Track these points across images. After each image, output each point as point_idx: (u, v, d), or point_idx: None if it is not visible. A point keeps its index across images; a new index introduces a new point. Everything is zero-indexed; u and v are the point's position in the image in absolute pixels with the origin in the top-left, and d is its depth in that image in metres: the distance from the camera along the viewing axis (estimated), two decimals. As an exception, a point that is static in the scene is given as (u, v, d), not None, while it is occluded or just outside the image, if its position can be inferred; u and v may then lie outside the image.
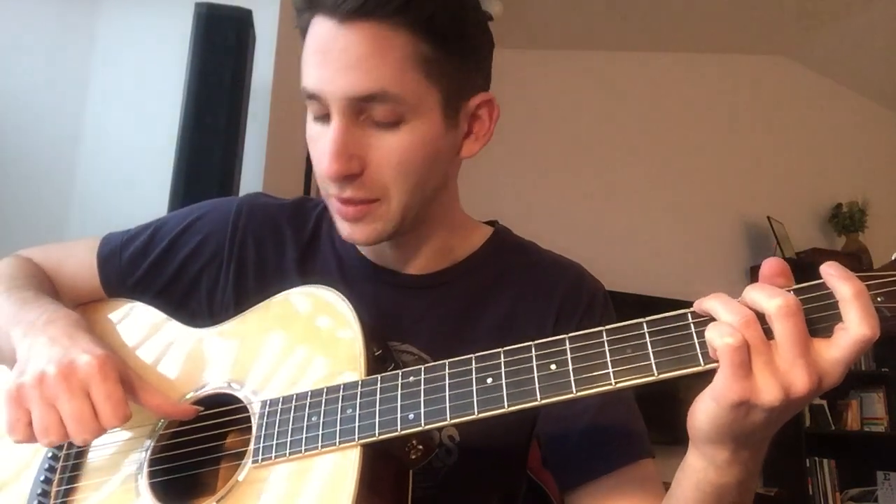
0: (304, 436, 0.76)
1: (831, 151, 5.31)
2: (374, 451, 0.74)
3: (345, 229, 0.87)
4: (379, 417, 0.73)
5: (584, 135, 4.75)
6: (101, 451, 0.89)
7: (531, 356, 0.69)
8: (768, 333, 0.61)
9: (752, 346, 0.60)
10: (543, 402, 0.67)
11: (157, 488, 0.84)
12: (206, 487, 0.85)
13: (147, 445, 0.87)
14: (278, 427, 0.78)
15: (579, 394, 0.66)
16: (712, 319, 0.63)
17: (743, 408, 0.61)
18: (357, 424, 0.74)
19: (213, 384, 0.88)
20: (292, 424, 0.77)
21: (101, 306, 1.04)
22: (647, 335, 0.65)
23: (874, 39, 4.84)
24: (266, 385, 0.84)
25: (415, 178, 0.85)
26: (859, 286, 0.59)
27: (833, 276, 0.60)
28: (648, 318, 0.66)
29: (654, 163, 4.83)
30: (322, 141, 0.83)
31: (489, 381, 0.70)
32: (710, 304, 0.63)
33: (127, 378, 0.83)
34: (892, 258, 0.62)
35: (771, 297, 0.60)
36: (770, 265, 0.64)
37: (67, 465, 0.90)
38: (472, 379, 0.71)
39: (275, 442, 0.78)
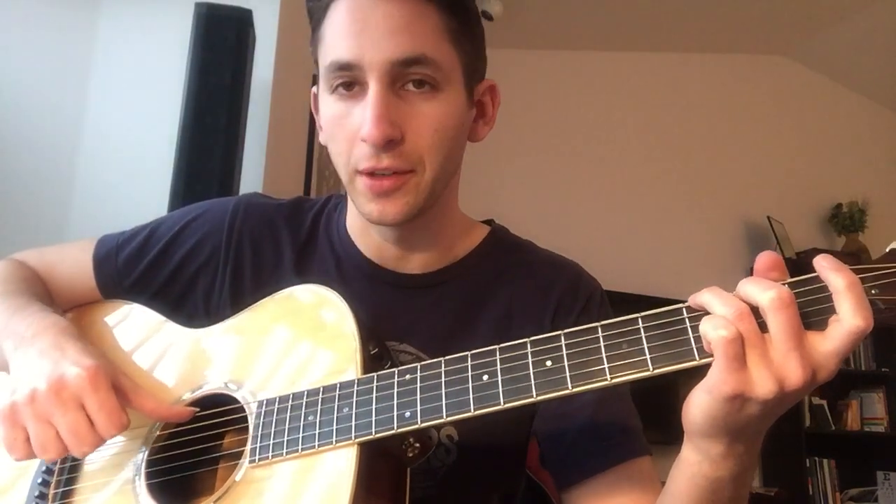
0: (300, 435, 0.76)
1: (831, 151, 5.31)
2: (372, 449, 0.74)
3: (374, 209, 0.86)
4: (375, 416, 0.73)
5: (583, 135, 4.76)
6: (98, 453, 0.88)
7: (526, 353, 0.69)
8: (763, 327, 0.61)
9: (746, 339, 0.60)
10: (539, 398, 0.67)
11: (155, 490, 0.84)
12: (204, 488, 0.85)
13: (144, 447, 0.87)
14: (275, 427, 0.78)
15: (575, 390, 0.66)
16: (707, 314, 0.63)
17: (737, 401, 0.61)
18: (354, 423, 0.74)
19: (211, 384, 0.88)
20: (289, 424, 0.77)
21: (97, 308, 1.04)
22: (642, 330, 0.65)
23: (874, 39, 4.84)
24: (262, 384, 0.84)
25: (446, 150, 0.87)
26: (852, 278, 0.59)
27: (826, 268, 0.61)
28: (643, 314, 0.66)
29: (653, 163, 4.84)
30: (357, 111, 0.84)
31: (485, 378, 0.70)
32: (705, 297, 0.63)
33: (120, 384, 0.83)
34: (887, 250, 0.63)
35: (764, 290, 0.60)
36: (764, 259, 0.64)
37: (65, 467, 0.90)
38: (468, 376, 0.71)
39: (272, 441, 0.78)
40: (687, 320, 0.64)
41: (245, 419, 0.82)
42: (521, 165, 4.45)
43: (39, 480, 0.90)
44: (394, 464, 0.79)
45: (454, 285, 0.97)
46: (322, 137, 0.94)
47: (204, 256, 1.00)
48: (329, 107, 0.87)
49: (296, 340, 0.85)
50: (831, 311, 0.60)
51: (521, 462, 0.99)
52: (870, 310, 0.59)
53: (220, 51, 1.98)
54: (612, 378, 0.65)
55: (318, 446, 0.75)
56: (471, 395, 0.70)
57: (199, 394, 0.88)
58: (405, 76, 0.83)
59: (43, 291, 1.01)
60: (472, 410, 0.69)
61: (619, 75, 4.90)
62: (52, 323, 0.89)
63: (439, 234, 0.97)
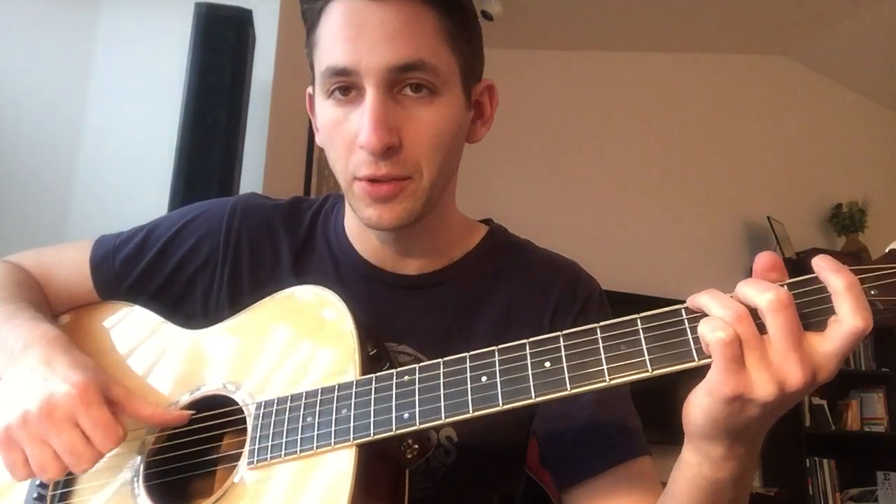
0: (299, 436, 0.76)
1: (831, 151, 5.31)
2: (370, 450, 0.74)
3: (373, 214, 0.85)
4: (374, 417, 0.73)
5: (583, 134, 4.75)
6: None
7: (525, 354, 0.69)
8: (762, 329, 0.61)
9: (745, 341, 0.60)
10: (538, 399, 0.67)
11: (154, 492, 0.84)
12: (202, 490, 0.85)
13: (142, 449, 0.87)
14: (273, 428, 0.78)
15: (573, 391, 0.66)
16: (706, 315, 0.63)
17: (737, 402, 0.61)
18: (352, 424, 0.73)
19: (209, 386, 0.88)
20: (287, 425, 0.77)
21: (95, 310, 1.03)
22: (640, 331, 0.65)
23: (874, 39, 4.84)
24: (261, 386, 0.83)
25: (444, 155, 0.86)
26: (851, 278, 0.59)
27: (825, 268, 0.60)
28: (642, 315, 0.66)
29: (653, 163, 4.83)
30: (354, 117, 0.83)
31: (483, 379, 0.70)
32: (703, 299, 0.63)
33: (112, 394, 0.82)
34: (886, 251, 0.62)
35: (763, 292, 0.60)
36: (763, 260, 0.64)
37: None
38: (466, 378, 0.71)
39: (270, 443, 0.78)
40: (686, 321, 0.64)
41: (243, 421, 0.82)
42: (520, 165, 4.45)
43: (38, 483, 0.90)
44: (392, 465, 0.79)
45: (452, 286, 0.97)
46: (319, 140, 0.94)
47: (202, 257, 1.00)
48: (326, 112, 0.86)
49: (294, 341, 0.85)
50: (830, 311, 0.60)
51: (521, 463, 0.99)
52: (869, 310, 0.59)
53: (220, 51, 1.98)
54: (610, 379, 0.65)
55: (317, 448, 0.74)
56: (469, 397, 0.70)
57: (197, 395, 0.88)
58: (402, 81, 0.82)
59: (38, 295, 1.01)
60: (471, 412, 0.69)
61: (619, 75, 4.89)
62: (42, 334, 0.88)
63: (437, 236, 0.97)
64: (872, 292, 0.60)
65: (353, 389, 0.75)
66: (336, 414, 0.75)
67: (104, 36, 2.40)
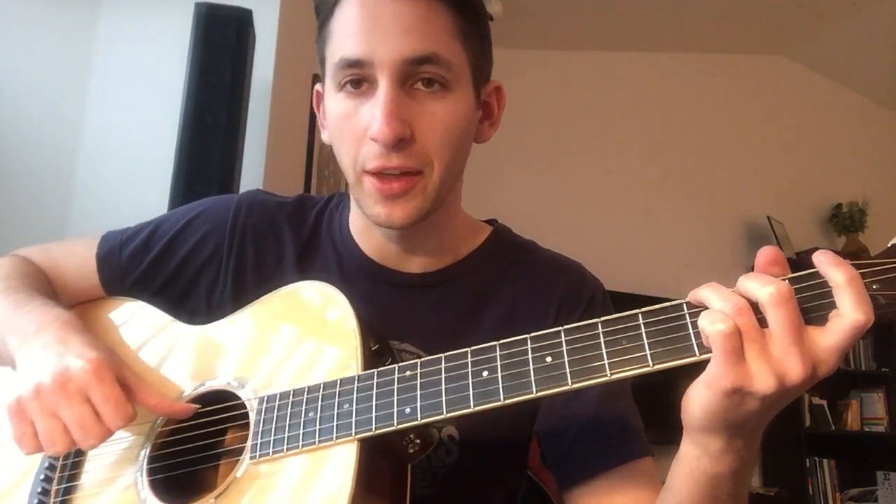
0: (301, 431, 0.76)
1: (831, 151, 5.31)
2: (372, 445, 0.74)
3: (382, 212, 0.85)
4: (376, 412, 0.73)
5: (583, 134, 4.75)
6: (100, 449, 0.89)
7: (527, 349, 0.69)
8: (763, 322, 0.61)
9: (745, 334, 0.60)
10: (539, 394, 0.67)
11: (158, 486, 0.84)
12: (205, 485, 0.85)
13: (146, 443, 0.87)
14: (276, 423, 0.78)
15: (575, 385, 0.66)
16: (707, 309, 0.63)
17: (736, 395, 0.61)
18: (354, 419, 0.74)
19: (213, 381, 0.88)
20: (290, 420, 0.77)
21: (100, 304, 1.04)
22: (642, 326, 0.65)
23: (874, 39, 4.84)
24: (264, 380, 0.84)
25: (454, 151, 0.87)
26: (852, 272, 0.59)
27: (825, 262, 0.60)
28: (644, 310, 0.66)
29: (653, 163, 4.83)
30: (366, 110, 0.83)
31: (485, 374, 0.70)
32: (704, 293, 0.63)
33: (123, 378, 0.83)
34: (889, 245, 0.62)
35: (763, 286, 0.60)
36: (764, 254, 0.64)
37: (67, 463, 0.90)
38: (468, 372, 0.71)
39: (272, 438, 0.78)
40: (687, 316, 0.64)
41: (246, 416, 0.82)
42: (519, 164, 4.44)
43: (42, 477, 0.90)
44: (394, 460, 0.79)
45: (456, 285, 0.97)
46: (325, 136, 0.94)
47: (207, 253, 1.00)
48: (336, 105, 0.86)
49: (297, 337, 0.85)
50: (832, 306, 0.60)
51: (523, 462, 0.98)
52: (870, 304, 0.59)
53: (220, 51, 1.99)
54: (612, 374, 0.65)
55: (319, 442, 0.75)
56: (471, 392, 0.70)
57: (201, 390, 0.88)
58: (415, 75, 0.82)
59: (47, 287, 1.01)
60: (472, 406, 0.69)
61: (619, 75, 4.90)
62: (56, 316, 0.88)
63: (442, 235, 0.97)
64: (874, 287, 0.60)
65: (356, 384, 0.75)
66: (338, 409, 0.75)
67: (104, 36, 2.40)
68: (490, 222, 1.05)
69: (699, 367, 0.63)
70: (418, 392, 0.72)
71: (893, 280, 0.60)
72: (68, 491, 0.89)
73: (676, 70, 5.03)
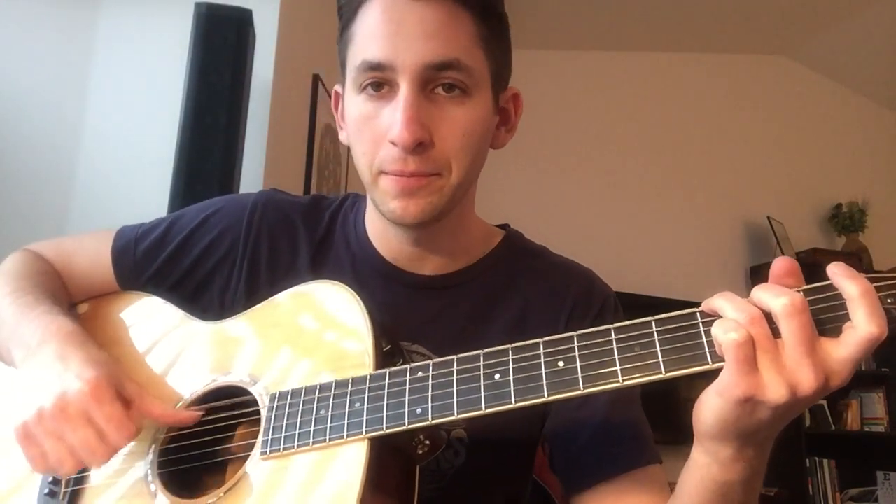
0: (312, 428, 0.76)
1: (831, 151, 5.32)
2: (382, 444, 0.74)
3: (398, 206, 0.86)
4: (387, 411, 0.73)
5: (583, 135, 4.75)
6: None
7: (539, 353, 0.69)
8: (777, 333, 0.60)
9: (758, 344, 0.60)
10: (551, 398, 0.67)
11: (167, 480, 0.84)
12: (216, 481, 0.85)
13: (154, 442, 0.88)
14: (287, 420, 0.79)
15: (586, 391, 0.66)
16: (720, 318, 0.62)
17: (748, 405, 0.61)
18: (365, 418, 0.74)
19: (225, 377, 0.88)
20: (301, 417, 0.78)
21: (114, 299, 1.04)
22: (655, 333, 0.65)
23: (874, 39, 4.84)
24: (276, 379, 0.84)
25: (472, 155, 0.87)
26: (866, 285, 0.59)
27: (839, 275, 0.60)
28: (657, 317, 0.66)
29: (653, 163, 4.84)
30: (386, 112, 0.84)
31: (497, 376, 0.70)
32: (718, 302, 0.63)
33: (125, 391, 0.83)
34: None
35: (777, 297, 0.60)
36: (780, 265, 0.64)
37: None
38: (479, 375, 0.71)
39: (283, 434, 0.78)
40: (701, 324, 0.64)
41: (258, 412, 0.82)
42: (519, 164, 4.44)
43: (50, 479, 0.90)
44: (404, 460, 0.79)
45: (468, 288, 0.97)
46: (343, 136, 0.94)
47: (222, 251, 1.00)
48: (356, 106, 0.87)
49: (310, 336, 0.85)
50: (846, 318, 0.60)
51: (530, 465, 0.99)
52: (884, 317, 0.59)
53: (220, 51, 1.98)
54: (624, 380, 0.65)
55: (329, 440, 0.75)
56: (482, 394, 0.70)
57: (213, 386, 0.88)
58: (436, 80, 0.83)
59: (56, 285, 1.01)
60: (483, 409, 0.69)
61: (619, 75, 4.90)
62: (57, 328, 0.88)
63: (456, 238, 0.97)
64: (889, 300, 0.60)
65: (367, 384, 0.76)
66: (349, 407, 0.75)
67: (104, 36, 2.40)
68: (503, 227, 1.05)
69: (711, 372, 0.63)
70: (430, 393, 0.72)
71: (908, 294, 0.60)
72: (78, 482, 0.89)
73: (676, 70, 5.03)
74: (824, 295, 0.62)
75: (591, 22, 4.59)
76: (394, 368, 0.76)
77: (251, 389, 0.85)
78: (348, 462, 0.73)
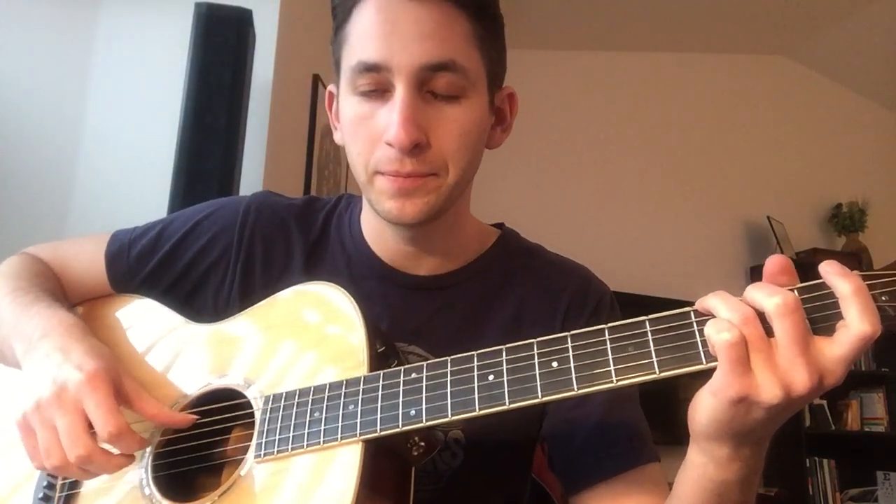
0: (306, 431, 0.76)
1: (831, 151, 5.31)
2: (376, 446, 0.74)
3: (394, 206, 0.85)
4: (381, 413, 0.73)
5: (582, 135, 4.75)
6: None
7: (533, 354, 0.69)
8: (770, 332, 0.60)
9: (751, 343, 0.60)
10: (545, 399, 0.67)
11: (162, 484, 0.84)
12: (211, 483, 0.85)
13: (150, 445, 0.87)
14: (281, 422, 0.78)
15: (580, 391, 0.66)
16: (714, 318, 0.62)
17: (743, 405, 0.61)
18: (359, 420, 0.74)
19: (219, 380, 0.88)
20: (295, 420, 0.78)
21: (109, 302, 1.04)
22: (649, 333, 0.65)
23: (874, 39, 4.84)
24: (269, 380, 0.84)
25: (469, 155, 0.87)
26: (858, 283, 0.59)
27: (831, 273, 0.60)
28: (651, 317, 0.66)
29: (652, 162, 4.83)
30: (382, 113, 0.83)
31: (491, 378, 0.70)
32: (711, 301, 0.63)
33: (122, 388, 0.82)
34: None
35: (770, 296, 0.60)
36: (773, 263, 0.64)
37: None
38: (473, 376, 0.71)
39: (277, 437, 0.78)
40: (694, 324, 0.64)
41: (251, 415, 0.82)
42: (518, 164, 4.44)
43: (45, 483, 0.90)
44: (399, 462, 0.79)
45: (464, 288, 0.97)
46: (337, 137, 0.94)
47: (216, 254, 1.00)
48: (351, 107, 0.86)
49: (304, 337, 0.85)
50: (839, 317, 0.60)
51: (528, 466, 0.98)
52: (877, 315, 0.59)
53: (220, 51, 1.99)
54: (618, 380, 0.65)
55: (324, 442, 0.75)
56: (476, 395, 0.70)
57: (207, 388, 0.88)
58: (432, 81, 0.82)
59: (55, 286, 1.01)
60: (477, 410, 0.69)
61: (619, 75, 4.90)
62: (59, 321, 0.88)
63: (451, 238, 0.97)
64: (883, 298, 0.60)
65: (361, 386, 0.75)
66: (343, 409, 0.75)
67: (104, 36, 2.40)
68: (498, 226, 1.05)
69: (706, 371, 0.63)
70: (423, 395, 0.72)
71: (902, 292, 0.60)
72: (73, 486, 0.89)
73: (676, 70, 5.02)
74: (817, 293, 0.61)
75: (591, 22, 4.59)
76: (387, 370, 0.75)
77: (246, 392, 0.84)
78: (343, 464, 0.73)
